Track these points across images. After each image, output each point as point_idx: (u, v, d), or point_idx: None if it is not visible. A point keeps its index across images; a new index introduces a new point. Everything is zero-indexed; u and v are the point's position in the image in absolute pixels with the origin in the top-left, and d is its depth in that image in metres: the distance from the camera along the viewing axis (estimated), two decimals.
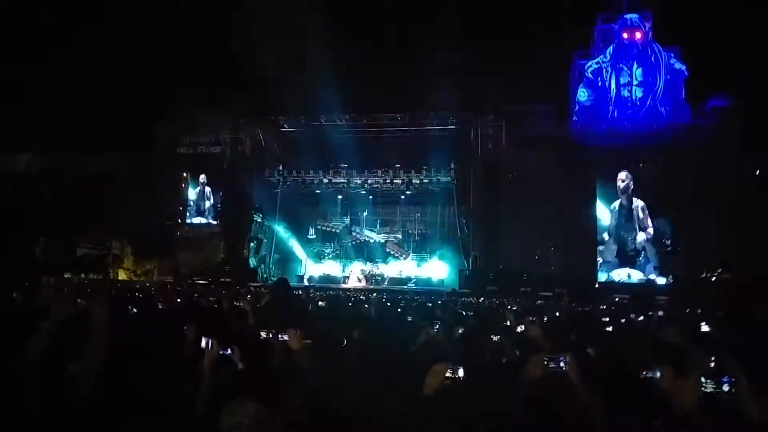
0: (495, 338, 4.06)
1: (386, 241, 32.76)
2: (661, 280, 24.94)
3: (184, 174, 31.78)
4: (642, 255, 25.59)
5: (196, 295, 12.26)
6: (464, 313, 7.93)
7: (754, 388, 2.20)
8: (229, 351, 2.97)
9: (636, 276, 25.51)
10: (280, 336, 3.41)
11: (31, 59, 27.20)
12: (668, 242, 25.22)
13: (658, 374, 2.41)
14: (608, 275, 25.82)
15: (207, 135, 31.35)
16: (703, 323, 5.20)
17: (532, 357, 2.73)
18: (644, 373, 2.45)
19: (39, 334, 2.37)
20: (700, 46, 27.11)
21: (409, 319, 6.06)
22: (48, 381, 2.15)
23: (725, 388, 2.19)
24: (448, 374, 2.49)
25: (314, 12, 27.08)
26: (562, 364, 2.60)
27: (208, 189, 31.69)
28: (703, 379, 2.21)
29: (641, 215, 25.78)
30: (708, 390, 2.19)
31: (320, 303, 7.80)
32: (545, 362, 2.62)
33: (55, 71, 28.33)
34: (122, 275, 30.42)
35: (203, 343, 2.80)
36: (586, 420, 2.39)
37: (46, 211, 26.67)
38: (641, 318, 6.74)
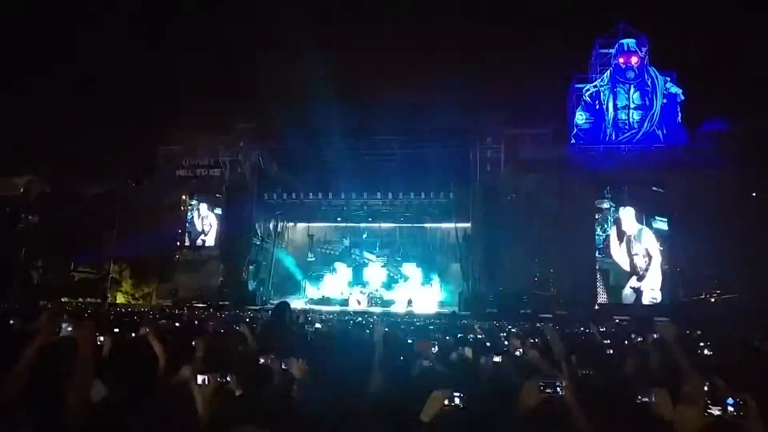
0: (496, 359, 4.04)
1: (386, 265, 32.73)
2: (661, 302, 24.83)
3: (183, 197, 31.84)
4: (643, 278, 25.56)
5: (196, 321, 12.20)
6: (464, 336, 7.88)
7: (762, 411, 2.15)
8: (228, 378, 2.95)
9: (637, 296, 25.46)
10: (282, 364, 3.41)
11: (31, 84, 27.53)
12: (667, 265, 25.22)
13: (654, 398, 2.40)
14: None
15: (206, 158, 31.49)
16: (705, 347, 5.17)
17: (528, 382, 2.72)
18: (639, 397, 2.44)
19: (22, 361, 2.32)
20: (697, 71, 27.59)
21: (409, 341, 6.04)
22: (33, 409, 2.11)
23: (730, 410, 2.17)
24: (446, 402, 2.47)
25: (314, 36, 27.57)
26: (558, 389, 2.59)
27: (206, 212, 31.71)
28: (707, 403, 2.17)
29: (641, 240, 25.85)
30: (713, 413, 2.16)
31: (318, 325, 7.77)
32: (541, 387, 2.61)
33: (54, 95, 28.66)
34: (120, 299, 30.26)
35: (199, 380, 2.77)
36: None
37: (44, 235, 26.62)
38: (640, 339, 6.73)
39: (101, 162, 29.02)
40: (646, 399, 2.41)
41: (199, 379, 2.67)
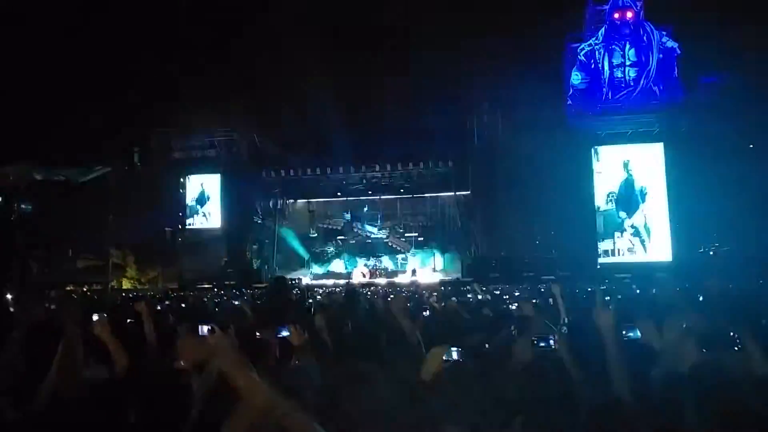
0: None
1: (388, 236, 32.84)
2: (661, 258, 24.99)
3: (181, 179, 31.76)
4: (642, 234, 25.69)
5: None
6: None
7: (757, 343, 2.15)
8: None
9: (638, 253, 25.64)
10: (280, 333, 3.43)
11: (20, 66, 27.07)
12: (667, 220, 25.31)
13: (638, 332, 2.44)
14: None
15: (201, 138, 31.25)
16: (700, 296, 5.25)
17: (522, 337, 2.78)
18: (624, 332, 2.48)
19: (10, 341, 2.33)
20: (693, 23, 26.93)
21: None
22: (21, 389, 2.11)
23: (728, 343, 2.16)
24: (444, 357, 2.53)
25: (302, 11, 27.06)
26: (551, 343, 2.64)
27: (206, 193, 31.68)
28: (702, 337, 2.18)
29: (640, 195, 25.88)
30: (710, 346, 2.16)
31: (318, 297, 7.89)
32: (534, 342, 2.67)
33: (44, 79, 28.25)
34: (126, 284, 30.53)
35: (204, 330, 2.73)
36: (576, 394, 2.42)
37: (40, 224, 26.47)
38: (638, 291, 6.84)
39: (93, 147, 28.71)
40: (632, 334, 2.46)
41: (204, 329, 2.65)
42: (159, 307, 6.93)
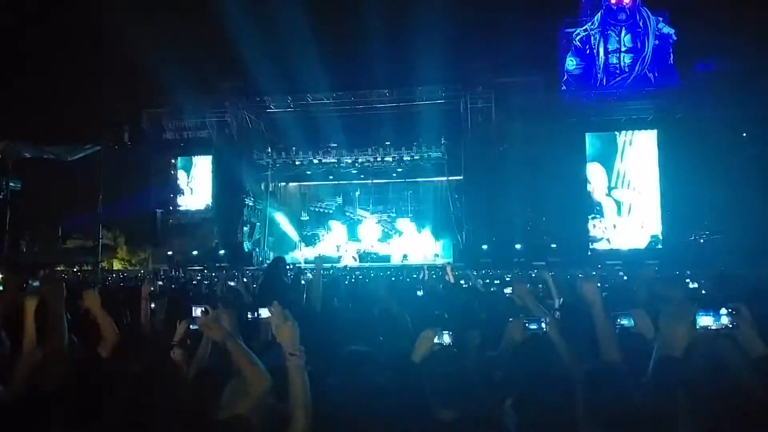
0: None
1: (380, 221, 32.81)
2: (652, 244, 25.20)
3: (173, 160, 31.42)
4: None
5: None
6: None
7: (755, 321, 2.07)
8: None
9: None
10: (264, 313, 3.38)
11: (9, 44, 26.51)
12: (659, 208, 25.48)
13: (632, 321, 2.43)
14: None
15: (192, 120, 30.85)
16: (690, 281, 5.25)
17: (514, 320, 2.77)
18: (617, 321, 2.47)
19: None
20: (689, 8, 26.87)
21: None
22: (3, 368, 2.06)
23: (724, 321, 2.07)
24: (435, 340, 2.50)
25: None
26: (543, 326, 2.64)
27: (197, 174, 31.40)
28: (699, 314, 2.12)
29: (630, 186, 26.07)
30: (705, 325, 2.08)
31: (309, 275, 7.90)
32: (525, 324, 2.66)
33: (34, 57, 27.71)
34: (117, 265, 30.40)
35: (197, 312, 2.69)
36: (567, 376, 2.42)
37: (29, 203, 26.02)
38: (625, 278, 6.88)
39: (84, 126, 28.29)
40: (625, 322, 2.45)
41: (198, 310, 2.62)
42: (153, 288, 6.90)
